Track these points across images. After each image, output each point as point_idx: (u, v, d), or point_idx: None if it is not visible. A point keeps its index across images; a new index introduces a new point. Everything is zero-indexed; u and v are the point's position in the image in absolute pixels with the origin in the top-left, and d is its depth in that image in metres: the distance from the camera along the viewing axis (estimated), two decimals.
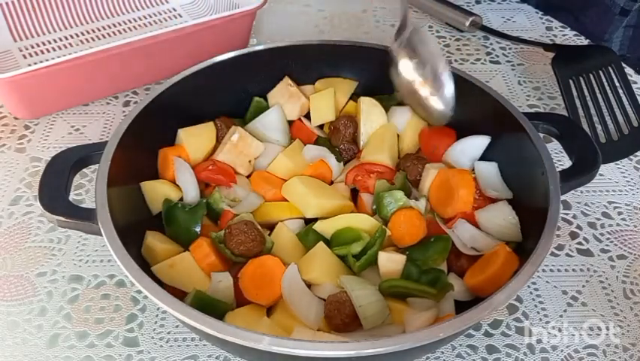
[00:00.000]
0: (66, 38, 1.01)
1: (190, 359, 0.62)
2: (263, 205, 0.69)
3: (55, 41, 1.01)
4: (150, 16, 1.07)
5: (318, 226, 0.65)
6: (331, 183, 0.73)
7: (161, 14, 1.08)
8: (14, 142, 0.85)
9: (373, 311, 0.57)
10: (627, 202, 0.78)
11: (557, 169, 0.61)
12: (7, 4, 0.98)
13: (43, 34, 1.01)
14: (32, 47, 0.99)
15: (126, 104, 0.92)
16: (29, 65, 0.85)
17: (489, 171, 0.69)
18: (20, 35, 1.00)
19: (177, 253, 0.62)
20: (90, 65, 0.84)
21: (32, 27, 1.01)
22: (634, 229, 0.75)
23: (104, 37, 1.03)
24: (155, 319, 0.65)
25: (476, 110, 0.71)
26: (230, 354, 0.62)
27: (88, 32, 1.03)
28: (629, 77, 0.87)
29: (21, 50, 0.98)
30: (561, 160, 0.80)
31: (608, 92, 0.85)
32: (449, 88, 0.65)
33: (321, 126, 0.79)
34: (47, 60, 0.81)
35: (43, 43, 1.00)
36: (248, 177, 0.73)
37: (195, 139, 0.72)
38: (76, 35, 1.02)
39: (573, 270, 0.70)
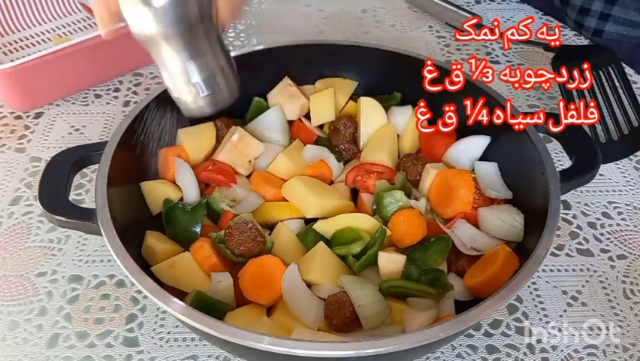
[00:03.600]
0: (43, 33, 1.04)
1: (190, 359, 0.62)
2: (263, 205, 0.69)
3: (32, 37, 1.03)
4: None
5: (318, 226, 0.65)
6: (331, 183, 0.73)
7: None
8: (14, 142, 0.85)
9: (373, 311, 0.57)
10: (627, 202, 0.78)
11: (557, 169, 0.61)
12: None
13: (18, 30, 1.03)
14: (11, 44, 1.01)
15: (126, 104, 0.92)
16: (12, 60, 0.87)
17: (489, 171, 0.69)
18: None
19: (177, 253, 0.62)
20: (81, 52, 0.87)
21: (8, 24, 1.03)
22: (634, 229, 0.75)
23: (81, 30, 1.06)
24: (155, 319, 0.65)
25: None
26: (231, 354, 0.62)
27: (64, 26, 1.06)
28: (629, 77, 0.87)
29: (0, 48, 1.00)
30: (561, 160, 0.80)
31: (608, 92, 0.85)
32: None
33: (321, 126, 0.79)
34: (29, 55, 0.84)
35: (21, 40, 1.02)
36: (248, 177, 0.73)
37: (195, 139, 0.72)
38: (53, 30, 1.05)
39: (573, 270, 0.70)
